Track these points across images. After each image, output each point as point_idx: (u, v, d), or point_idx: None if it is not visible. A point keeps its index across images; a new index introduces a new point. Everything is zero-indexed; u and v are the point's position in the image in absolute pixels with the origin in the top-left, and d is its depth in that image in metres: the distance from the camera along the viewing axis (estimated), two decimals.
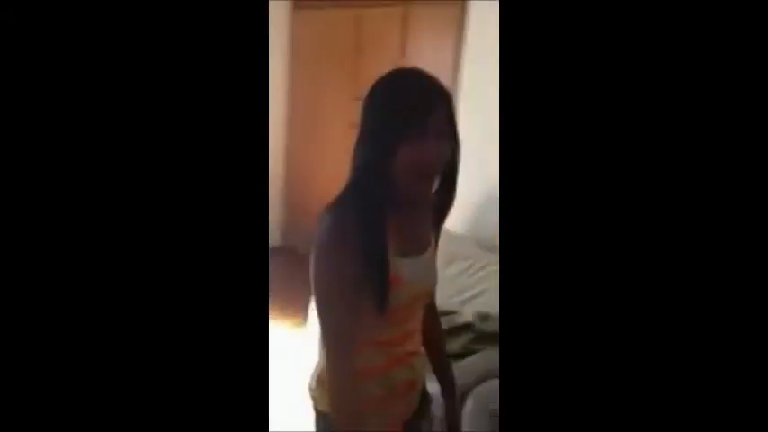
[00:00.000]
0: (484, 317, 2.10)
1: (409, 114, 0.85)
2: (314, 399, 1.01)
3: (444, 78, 1.04)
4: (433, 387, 1.15)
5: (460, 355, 1.91)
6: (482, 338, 2.01)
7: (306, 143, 3.77)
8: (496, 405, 1.52)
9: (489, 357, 1.86)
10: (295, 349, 2.47)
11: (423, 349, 1.08)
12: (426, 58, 2.89)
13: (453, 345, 1.92)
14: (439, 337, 1.17)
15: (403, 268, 0.92)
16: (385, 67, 0.92)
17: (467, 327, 2.06)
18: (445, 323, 1.49)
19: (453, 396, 1.14)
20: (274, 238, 3.84)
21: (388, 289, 0.89)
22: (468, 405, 1.71)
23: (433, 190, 0.94)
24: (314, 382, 1.01)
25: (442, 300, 1.56)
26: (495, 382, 1.69)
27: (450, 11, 2.85)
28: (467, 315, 2.13)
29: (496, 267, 2.27)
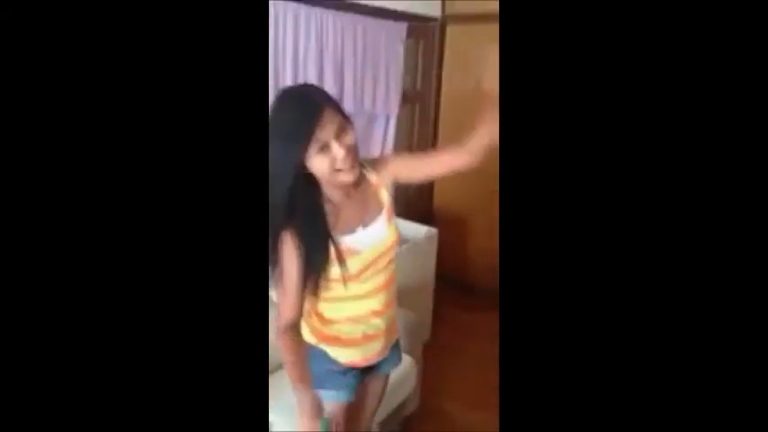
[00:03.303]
0: None
1: (303, 131, 0.96)
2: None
3: None
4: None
5: None
6: None
7: None
8: None
9: None
10: None
11: (391, 309, 1.24)
12: None
13: None
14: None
15: (354, 243, 1.09)
16: None
17: None
18: None
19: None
20: None
21: (343, 260, 1.06)
22: None
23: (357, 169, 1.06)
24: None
25: None
26: None
27: None
28: None
29: None
